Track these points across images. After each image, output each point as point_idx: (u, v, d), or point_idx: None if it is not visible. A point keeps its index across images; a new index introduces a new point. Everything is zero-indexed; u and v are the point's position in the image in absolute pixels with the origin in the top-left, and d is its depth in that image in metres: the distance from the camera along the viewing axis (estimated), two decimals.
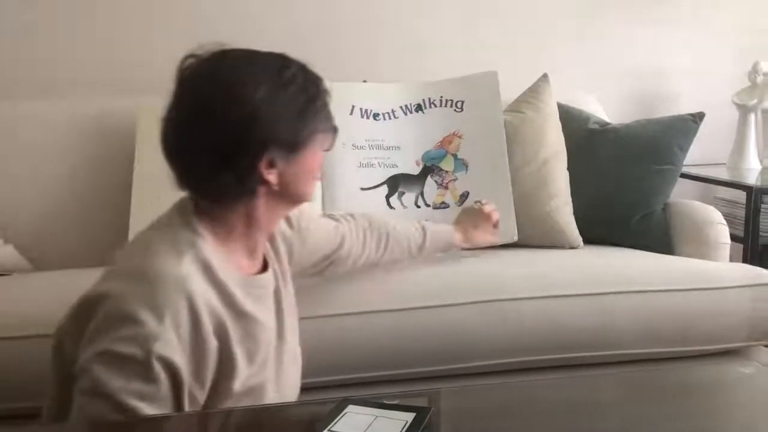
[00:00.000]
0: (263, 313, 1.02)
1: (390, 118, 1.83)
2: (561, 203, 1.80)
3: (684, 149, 1.87)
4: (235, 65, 0.97)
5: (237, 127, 0.94)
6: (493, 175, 1.79)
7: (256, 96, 0.94)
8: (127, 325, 0.86)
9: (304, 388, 1.37)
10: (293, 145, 0.98)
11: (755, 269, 1.62)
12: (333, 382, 1.40)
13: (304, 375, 1.38)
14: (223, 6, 2.16)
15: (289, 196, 1.02)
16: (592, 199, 1.83)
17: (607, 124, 1.98)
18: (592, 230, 1.80)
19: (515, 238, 1.75)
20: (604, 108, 2.19)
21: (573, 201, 1.81)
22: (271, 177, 0.97)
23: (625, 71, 2.42)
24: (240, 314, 0.97)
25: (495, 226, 1.58)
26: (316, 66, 1.05)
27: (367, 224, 1.39)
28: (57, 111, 1.85)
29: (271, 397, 1.02)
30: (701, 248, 1.75)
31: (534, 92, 1.91)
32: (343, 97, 1.81)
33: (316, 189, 1.08)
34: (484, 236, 1.57)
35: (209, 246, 0.96)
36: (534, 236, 1.77)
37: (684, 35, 2.42)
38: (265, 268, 1.08)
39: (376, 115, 1.82)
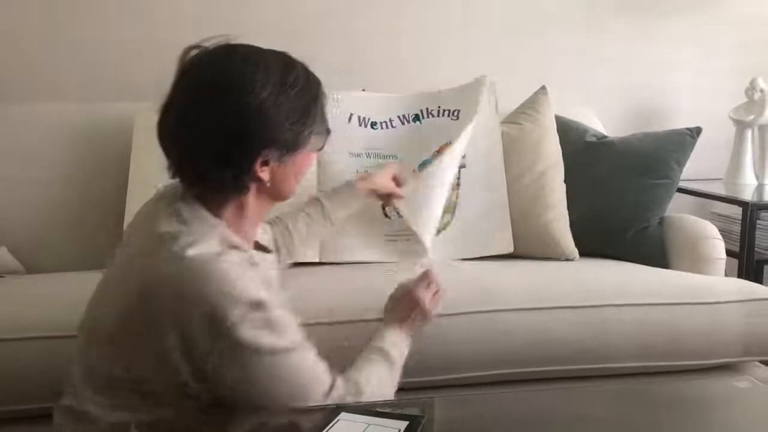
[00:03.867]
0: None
1: (387, 128, 1.83)
2: (557, 215, 1.80)
3: (681, 164, 1.88)
4: (243, 62, 0.98)
5: (240, 125, 0.95)
6: (490, 185, 1.79)
7: (261, 96, 0.95)
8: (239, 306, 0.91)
9: None
10: (290, 147, 1.00)
11: (750, 284, 1.62)
12: None
13: None
14: (221, 11, 2.16)
15: (275, 193, 1.04)
16: (588, 212, 1.83)
17: (605, 137, 1.99)
18: (588, 243, 1.81)
19: (511, 250, 1.75)
20: (602, 122, 2.20)
21: (569, 213, 1.82)
22: (264, 175, 0.99)
23: (623, 85, 2.43)
24: (269, 283, 1.03)
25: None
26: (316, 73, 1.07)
27: (283, 220, 1.41)
28: (51, 114, 1.85)
29: None
30: (697, 263, 1.76)
31: (532, 104, 1.91)
32: (346, 106, 1.81)
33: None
34: (384, 179, 1.49)
35: (224, 228, 0.99)
36: (529, 248, 1.77)
37: (682, 51, 2.44)
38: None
39: (374, 124, 1.82)
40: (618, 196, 1.84)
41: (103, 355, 0.96)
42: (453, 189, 1.79)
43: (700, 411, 1.21)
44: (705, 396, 1.29)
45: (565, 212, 1.81)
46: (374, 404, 0.81)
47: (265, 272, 1.04)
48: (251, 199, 1.02)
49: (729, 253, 1.88)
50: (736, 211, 2.14)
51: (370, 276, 1.60)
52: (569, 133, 1.94)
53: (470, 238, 1.76)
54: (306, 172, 1.08)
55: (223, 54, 0.99)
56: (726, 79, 2.43)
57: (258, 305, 0.92)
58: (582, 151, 1.92)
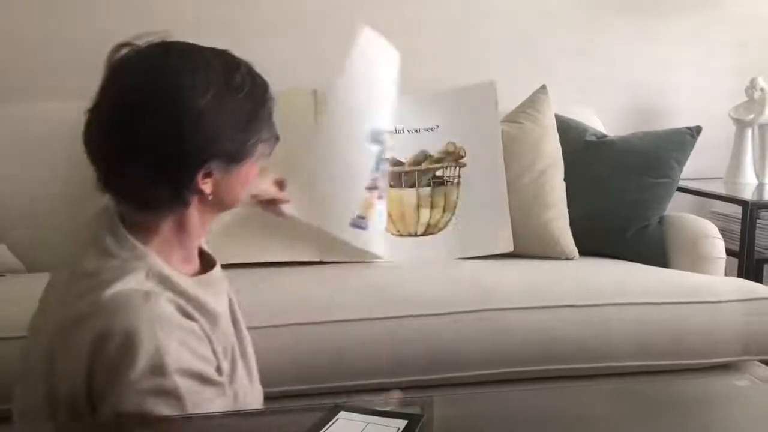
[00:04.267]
0: (220, 305, 0.98)
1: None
2: (557, 214, 1.80)
3: (681, 163, 1.88)
4: (180, 62, 0.87)
5: (178, 135, 0.85)
6: (490, 184, 1.79)
7: (201, 102, 0.85)
8: (142, 358, 0.80)
9: (296, 395, 1.38)
10: (236, 156, 0.91)
11: (750, 284, 1.62)
12: (324, 389, 1.39)
13: (296, 381, 1.38)
14: (221, 11, 2.16)
15: (220, 204, 0.94)
16: (588, 211, 1.83)
17: (605, 136, 1.99)
18: (588, 242, 1.80)
19: (511, 249, 1.75)
20: (602, 121, 2.20)
21: (569, 212, 1.82)
22: (206, 187, 0.89)
23: (623, 85, 2.42)
24: (205, 310, 0.92)
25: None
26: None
27: None
28: (51, 113, 1.84)
29: (245, 384, 1.00)
30: (696, 262, 1.76)
31: (532, 103, 1.91)
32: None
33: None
34: (266, 185, 1.39)
35: (155, 258, 0.89)
36: (529, 247, 1.77)
37: (682, 50, 2.43)
38: (207, 265, 1.02)
39: None
40: (618, 195, 1.84)
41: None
42: (453, 188, 1.80)
43: (700, 410, 1.21)
44: (705, 395, 1.28)
45: (565, 211, 1.81)
46: (374, 403, 0.81)
47: (207, 301, 0.92)
48: (193, 212, 0.92)
49: (729, 252, 1.88)
50: (736, 210, 2.13)
51: (371, 275, 1.61)
52: (569, 132, 1.94)
53: (470, 237, 1.76)
54: (253, 180, 0.98)
55: (157, 53, 0.88)
56: (726, 78, 2.43)
57: (161, 371, 0.80)
58: (582, 150, 1.92)
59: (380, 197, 1.65)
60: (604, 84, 2.39)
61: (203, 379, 0.85)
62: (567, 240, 1.78)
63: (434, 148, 1.83)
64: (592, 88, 2.37)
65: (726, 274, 1.80)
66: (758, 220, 2.08)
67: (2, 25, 2.04)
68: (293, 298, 1.46)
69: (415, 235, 1.77)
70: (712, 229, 1.79)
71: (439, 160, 1.82)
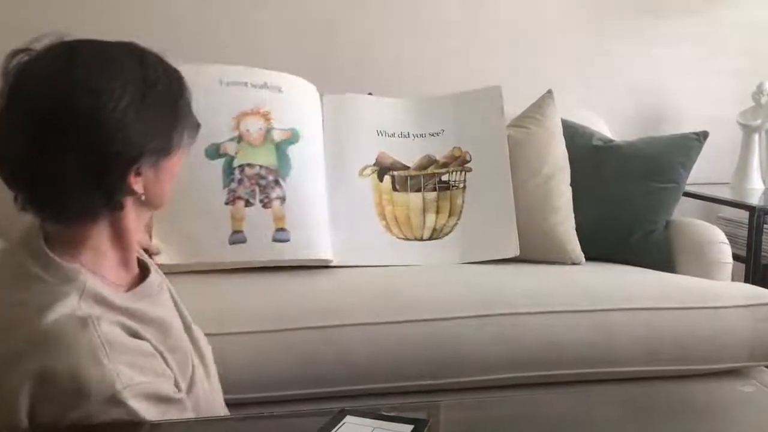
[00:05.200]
0: (166, 311, 0.95)
1: (397, 135, 1.84)
2: (563, 219, 1.80)
3: (687, 168, 1.88)
4: (91, 68, 0.82)
5: (102, 143, 0.81)
6: (496, 189, 1.79)
7: (120, 106, 0.81)
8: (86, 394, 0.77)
9: (302, 399, 1.38)
10: (164, 151, 0.88)
11: (757, 289, 1.61)
12: (330, 393, 1.39)
13: (302, 385, 1.38)
14: (223, 15, 2.17)
15: (151, 202, 0.90)
16: (594, 216, 1.83)
17: (611, 141, 1.99)
18: (594, 247, 1.80)
19: (517, 253, 1.75)
20: (609, 126, 2.20)
21: (575, 217, 1.81)
22: (138, 187, 0.86)
23: (630, 89, 2.42)
24: (151, 322, 0.89)
25: None
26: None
27: None
28: None
29: (205, 388, 0.97)
30: (703, 267, 1.75)
31: (538, 108, 1.91)
32: (351, 110, 1.83)
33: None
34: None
35: (86, 275, 0.84)
36: (535, 251, 1.77)
37: (690, 55, 2.43)
38: (145, 270, 0.98)
39: (380, 132, 1.83)
40: (624, 199, 1.84)
41: None
42: (459, 192, 1.80)
43: (707, 416, 1.20)
44: (711, 401, 1.28)
45: (572, 216, 1.81)
46: (380, 408, 0.81)
47: (152, 312, 0.90)
48: (128, 215, 0.88)
49: (736, 257, 1.87)
50: (743, 216, 2.13)
51: (378, 279, 1.61)
52: (576, 137, 1.94)
53: (475, 242, 1.76)
54: (178, 171, 0.94)
55: (62, 59, 0.82)
56: (733, 82, 2.42)
57: (116, 401, 0.77)
58: (588, 155, 1.92)
59: (249, 204, 1.60)
60: (611, 88, 2.39)
61: (161, 399, 0.83)
62: (573, 245, 1.78)
63: (440, 153, 1.83)
64: (598, 92, 2.37)
65: (733, 280, 1.80)
66: (765, 226, 2.08)
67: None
68: (299, 303, 1.46)
69: (421, 239, 1.77)
70: (718, 235, 1.79)
71: (444, 165, 1.82)
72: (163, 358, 0.87)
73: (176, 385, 0.88)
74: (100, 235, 0.87)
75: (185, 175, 1.55)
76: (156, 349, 0.86)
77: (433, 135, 1.85)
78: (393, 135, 1.84)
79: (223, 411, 1.00)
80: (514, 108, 1.93)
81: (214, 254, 1.58)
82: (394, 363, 1.41)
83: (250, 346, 1.37)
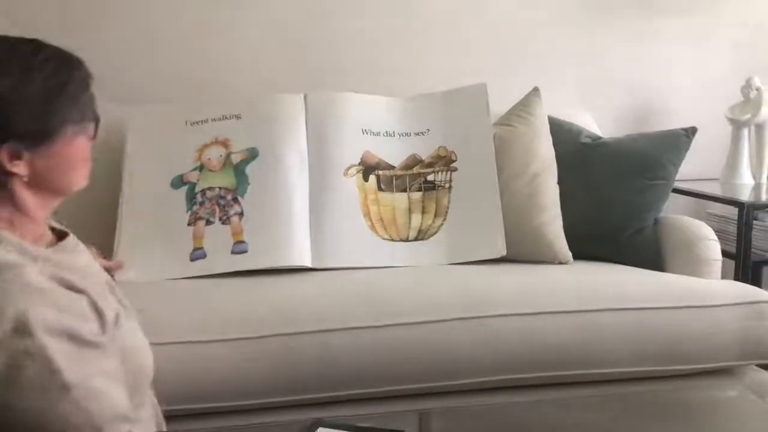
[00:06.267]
0: (88, 262, 1.02)
1: (382, 134, 1.82)
2: (551, 218, 1.77)
3: (676, 164, 1.86)
4: None
5: None
6: (482, 188, 1.77)
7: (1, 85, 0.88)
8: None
9: (285, 406, 1.36)
10: (39, 136, 0.92)
11: (747, 287, 1.60)
12: (313, 401, 1.38)
13: (285, 392, 1.36)
14: (217, 13, 2.14)
15: (49, 186, 0.95)
16: (582, 214, 1.80)
17: (599, 138, 1.97)
18: (582, 246, 1.78)
19: (503, 253, 1.72)
20: (597, 123, 2.18)
21: (563, 216, 1.79)
22: (19, 169, 0.91)
23: (618, 86, 2.40)
24: (76, 269, 0.95)
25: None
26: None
27: None
28: None
29: (140, 337, 1.02)
30: (692, 265, 1.73)
31: (524, 106, 1.89)
32: (335, 108, 1.81)
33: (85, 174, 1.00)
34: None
35: (7, 234, 0.91)
36: (523, 251, 1.74)
37: (677, 50, 2.41)
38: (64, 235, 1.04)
39: (365, 131, 1.81)
40: (612, 197, 1.82)
41: None
42: (445, 192, 1.78)
43: (696, 416, 1.19)
44: (701, 401, 1.27)
45: (559, 215, 1.79)
46: (355, 418, 0.79)
47: (73, 260, 0.97)
48: (24, 195, 0.93)
49: (725, 254, 1.86)
50: (733, 212, 2.11)
51: (361, 281, 1.59)
52: (563, 135, 1.91)
53: (461, 242, 1.74)
54: (83, 161, 0.99)
55: None
56: (722, 78, 2.40)
57: (25, 331, 0.82)
58: (576, 153, 1.89)
59: (209, 223, 1.69)
60: (599, 85, 2.37)
61: (75, 339, 0.86)
62: (561, 244, 1.75)
63: (425, 153, 1.81)
64: (586, 89, 2.35)
65: (723, 277, 1.78)
66: (755, 222, 2.06)
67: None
68: (282, 307, 1.44)
69: (407, 240, 1.75)
70: (707, 231, 1.77)
71: (430, 165, 1.80)
72: (90, 299, 0.91)
73: (102, 326, 0.91)
74: (4, 210, 0.93)
75: (149, 205, 1.67)
76: (81, 291, 0.91)
77: (418, 134, 1.84)
78: (378, 134, 1.82)
79: (147, 351, 1.03)
80: (500, 106, 1.91)
81: (176, 271, 1.64)
82: (379, 367, 1.39)
83: (232, 353, 1.35)
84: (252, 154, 1.74)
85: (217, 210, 1.69)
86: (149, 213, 1.69)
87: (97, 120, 1.00)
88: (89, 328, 0.89)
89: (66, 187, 0.98)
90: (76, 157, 0.97)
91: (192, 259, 1.66)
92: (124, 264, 1.54)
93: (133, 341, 1.00)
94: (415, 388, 1.42)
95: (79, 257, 1.00)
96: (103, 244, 1.56)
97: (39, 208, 0.96)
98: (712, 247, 1.75)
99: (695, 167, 2.13)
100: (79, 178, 0.98)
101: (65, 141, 0.94)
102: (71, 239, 1.02)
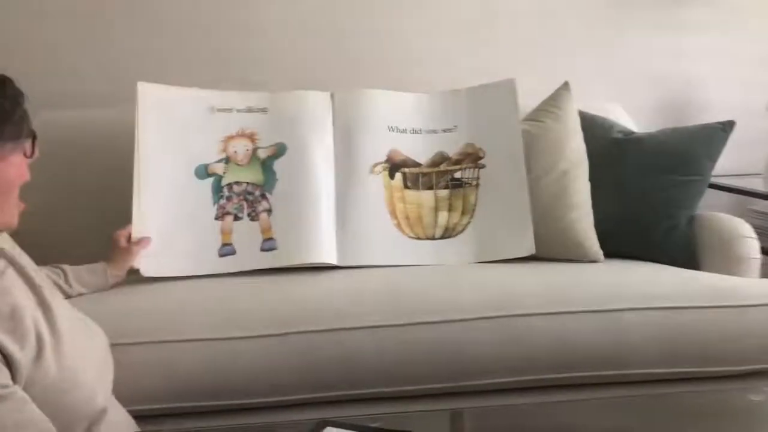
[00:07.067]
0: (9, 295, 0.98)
1: (409, 132, 1.81)
2: (581, 215, 1.74)
3: (713, 159, 1.80)
4: None
5: None
6: (511, 185, 1.75)
7: None
8: None
9: (308, 403, 1.37)
10: None
11: None
12: (336, 398, 1.38)
13: (306, 390, 1.37)
14: (223, 11, 2.17)
15: None
16: (614, 211, 1.77)
17: (632, 133, 1.93)
18: (614, 244, 1.74)
19: (532, 251, 1.70)
20: (633, 117, 2.13)
21: (594, 213, 1.75)
22: None
23: (654, 79, 2.35)
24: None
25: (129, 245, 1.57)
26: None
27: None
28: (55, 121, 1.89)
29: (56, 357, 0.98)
30: (729, 263, 1.68)
31: (554, 101, 1.86)
32: (362, 106, 1.81)
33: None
34: (126, 254, 1.56)
35: None
36: (552, 249, 1.72)
37: (715, 42, 2.34)
38: None
39: (391, 128, 1.81)
40: (645, 194, 1.77)
41: None
42: (472, 190, 1.77)
43: (729, 420, 1.16)
44: (734, 404, 1.24)
45: (590, 212, 1.75)
46: (363, 418, 0.79)
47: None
48: None
49: (766, 252, 1.79)
50: None
51: (387, 280, 1.59)
52: (594, 130, 1.88)
53: (489, 240, 1.72)
54: (19, 181, 1.01)
55: None
56: (761, 70, 2.33)
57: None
58: (608, 148, 1.85)
59: (237, 219, 1.69)
60: (633, 78, 2.32)
61: None
62: (591, 242, 1.72)
63: (453, 150, 1.80)
64: (619, 82, 2.30)
65: (764, 276, 1.72)
66: None
67: (26, 39, 2.09)
68: (306, 305, 1.45)
69: (433, 238, 1.73)
70: (745, 229, 1.71)
71: (457, 162, 1.78)
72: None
73: (15, 365, 0.89)
74: None
75: (175, 194, 1.66)
76: None
77: (445, 131, 1.82)
78: (405, 131, 1.81)
79: (90, 372, 1.02)
80: (531, 101, 1.88)
81: (204, 267, 1.64)
82: (403, 366, 1.39)
83: (257, 350, 1.36)
84: (280, 150, 1.74)
85: (245, 205, 1.70)
86: (175, 203, 1.67)
87: (30, 137, 1.02)
88: None
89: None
90: (8, 176, 0.99)
91: (221, 255, 1.66)
92: (150, 242, 1.59)
93: (65, 374, 0.97)
94: (439, 387, 1.40)
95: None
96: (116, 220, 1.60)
97: None
98: (751, 245, 1.69)
99: (737, 162, 2.08)
100: (11, 206, 1.01)
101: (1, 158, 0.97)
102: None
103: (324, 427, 0.78)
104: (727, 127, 1.80)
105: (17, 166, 1.00)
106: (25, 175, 1.02)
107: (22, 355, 0.90)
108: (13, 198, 1.01)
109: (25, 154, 1.02)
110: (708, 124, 1.85)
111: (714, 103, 2.32)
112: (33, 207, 1.11)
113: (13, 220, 1.02)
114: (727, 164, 1.87)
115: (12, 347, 0.89)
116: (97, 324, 1.17)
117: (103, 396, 1.03)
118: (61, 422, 0.92)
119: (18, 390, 0.88)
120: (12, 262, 1.01)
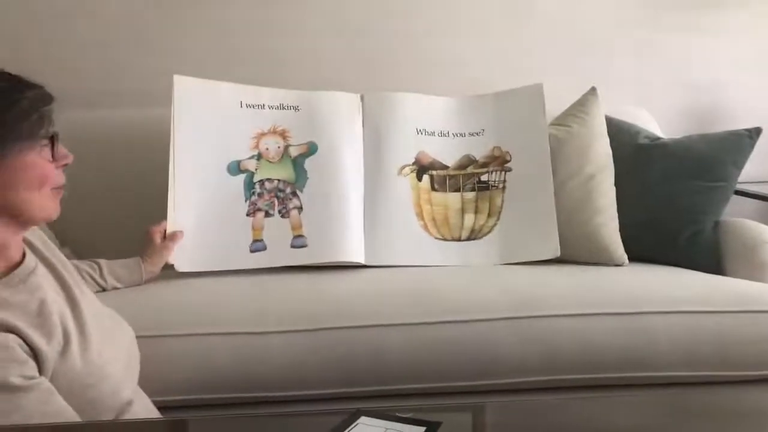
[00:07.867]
0: (33, 294, 0.99)
1: (437, 134, 1.84)
2: (606, 219, 1.76)
3: (739, 166, 1.81)
4: None
5: None
6: (536, 189, 1.77)
7: None
8: None
9: (336, 398, 1.40)
10: None
11: None
12: (364, 393, 1.41)
13: (335, 385, 1.40)
14: (245, 12, 2.21)
15: (9, 208, 0.97)
16: (639, 216, 1.79)
17: (658, 138, 1.94)
18: (639, 248, 1.76)
19: (557, 254, 1.72)
20: (660, 122, 2.14)
21: (619, 217, 1.77)
22: None
23: (683, 85, 2.35)
24: (11, 307, 0.95)
25: (164, 242, 1.61)
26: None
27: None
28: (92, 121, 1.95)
29: (84, 357, 0.99)
30: (753, 269, 1.69)
31: (581, 106, 1.88)
32: (391, 108, 1.84)
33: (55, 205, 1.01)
34: (161, 250, 1.60)
35: None
36: (577, 253, 1.74)
37: (745, 48, 2.34)
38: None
39: (420, 131, 1.84)
40: (670, 199, 1.79)
41: None
42: (498, 192, 1.79)
43: (748, 425, 1.17)
44: (755, 409, 1.24)
45: (615, 216, 1.77)
46: (394, 409, 0.82)
47: (12, 299, 0.95)
48: None
49: None
50: None
51: (414, 279, 1.62)
52: (621, 135, 1.90)
53: (515, 243, 1.75)
54: (45, 183, 0.99)
55: None
56: None
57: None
58: (634, 153, 1.87)
59: (269, 215, 1.72)
60: (660, 84, 2.32)
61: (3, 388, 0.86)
62: (616, 246, 1.74)
63: (480, 153, 1.82)
64: (647, 88, 2.31)
65: None
66: None
67: (58, 38, 2.15)
68: (335, 302, 1.48)
69: (459, 240, 1.77)
70: None
71: (484, 165, 1.81)
72: (21, 337, 0.91)
73: (41, 358, 0.91)
74: None
75: (208, 189, 1.69)
76: (11, 329, 0.90)
77: (473, 134, 1.85)
78: (433, 134, 1.85)
79: (114, 381, 1.02)
80: (558, 106, 1.90)
81: (236, 262, 1.67)
82: (429, 364, 1.41)
83: (287, 345, 1.39)
84: (312, 149, 1.77)
85: (276, 202, 1.73)
86: (207, 197, 1.69)
87: (51, 139, 1.00)
88: (20, 370, 0.89)
89: (24, 208, 0.98)
90: (32, 178, 0.97)
91: (252, 251, 1.69)
92: (182, 236, 1.63)
93: (91, 368, 0.98)
94: (464, 385, 1.43)
95: (19, 295, 0.96)
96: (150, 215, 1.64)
97: (10, 237, 0.97)
98: None
99: (763, 169, 2.08)
100: (43, 201, 0.99)
101: (17, 163, 0.95)
102: (24, 267, 1.00)
103: (359, 416, 0.81)
104: (754, 133, 1.81)
105: (35, 167, 0.98)
106: (50, 182, 1.00)
107: (48, 349, 0.93)
108: (40, 196, 0.99)
109: (42, 156, 0.99)
110: (734, 130, 1.86)
111: (741, 110, 2.32)
112: (72, 202, 1.12)
113: (43, 213, 1.00)
114: (753, 171, 1.87)
115: (39, 341, 0.92)
116: (123, 318, 1.19)
117: (129, 389, 1.06)
118: (87, 414, 0.94)
119: (44, 381, 0.91)
120: (42, 258, 1.05)
